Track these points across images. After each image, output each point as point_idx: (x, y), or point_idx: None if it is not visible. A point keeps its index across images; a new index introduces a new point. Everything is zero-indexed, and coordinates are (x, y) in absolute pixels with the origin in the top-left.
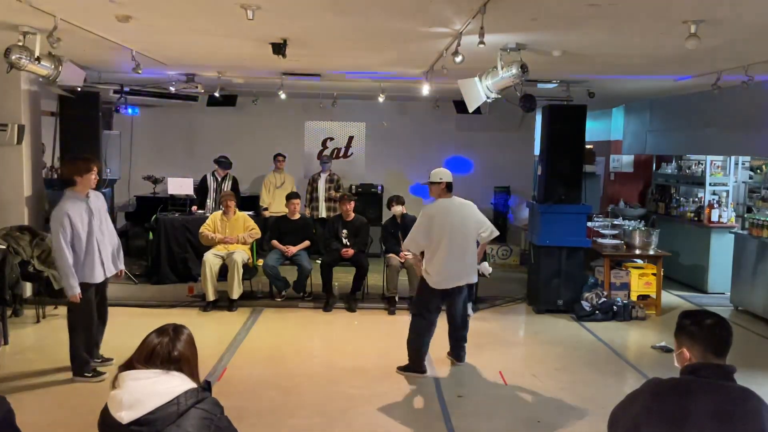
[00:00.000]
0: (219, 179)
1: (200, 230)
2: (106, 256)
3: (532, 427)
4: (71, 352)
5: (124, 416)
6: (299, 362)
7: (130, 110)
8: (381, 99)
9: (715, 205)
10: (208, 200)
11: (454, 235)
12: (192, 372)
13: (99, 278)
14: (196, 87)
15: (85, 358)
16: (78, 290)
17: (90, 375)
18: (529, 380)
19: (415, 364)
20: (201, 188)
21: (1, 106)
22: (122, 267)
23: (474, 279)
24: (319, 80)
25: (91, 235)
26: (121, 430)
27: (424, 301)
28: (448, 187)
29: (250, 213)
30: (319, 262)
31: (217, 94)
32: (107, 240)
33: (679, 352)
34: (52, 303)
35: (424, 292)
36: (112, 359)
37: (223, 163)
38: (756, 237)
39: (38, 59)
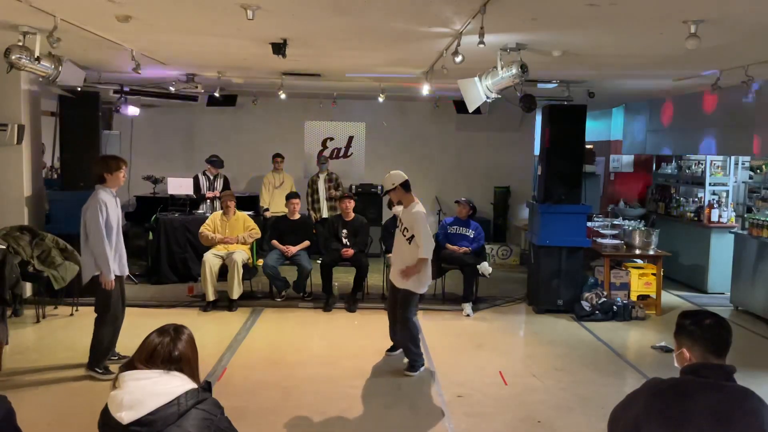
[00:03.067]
0: (211, 178)
1: (200, 230)
2: (125, 254)
3: (532, 427)
4: (95, 343)
5: (125, 416)
6: (299, 362)
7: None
8: (381, 99)
9: (715, 205)
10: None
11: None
12: (192, 372)
13: (124, 271)
14: (196, 87)
15: (106, 350)
16: (114, 275)
17: (101, 372)
18: (529, 380)
19: (419, 361)
20: (195, 188)
21: (1, 106)
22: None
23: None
24: (320, 78)
25: (119, 230)
26: (122, 431)
27: (416, 305)
28: (407, 187)
29: (250, 213)
30: (319, 262)
31: (217, 94)
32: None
33: (679, 352)
34: (52, 303)
35: (415, 298)
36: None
37: (215, 162)
38: (756, 237)
39: (38, 59)
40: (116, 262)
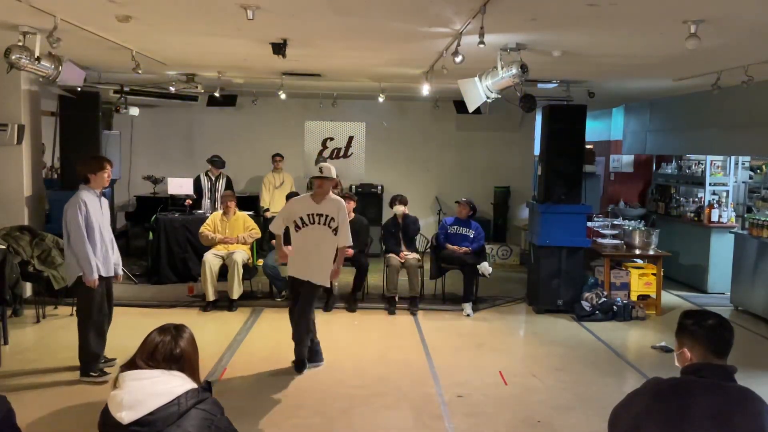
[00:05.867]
0: (213, 179)
1: (200, 230)
2: (113, 254)
3: (532, 427)
4: (81, 348)
5: (125, 416)
6: None
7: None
8: (381, 99)
9: (715, 205)
10: (204, 199)
11: None
12: (193, 371)
13: (110, 272)
14: (196, 87)
15: (94, 355)
16: (97, 275)
17: (96, 375)
18: (529, 380)
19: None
20: (196, 188)
21: (1, 106)
22: (120, 273)
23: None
24: (320, 78)
25: (103, 229)
26: (122, 431)
27: None
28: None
29: (250, 213)
30: None
31: (217, 94)
32: (111, 241)
33: (680, 352)
34: (52, 303)
35: None
36: (114, 360)
37: (217, 162)
38: (756, 237)
39: (38, 59)
40: (100, 262)
